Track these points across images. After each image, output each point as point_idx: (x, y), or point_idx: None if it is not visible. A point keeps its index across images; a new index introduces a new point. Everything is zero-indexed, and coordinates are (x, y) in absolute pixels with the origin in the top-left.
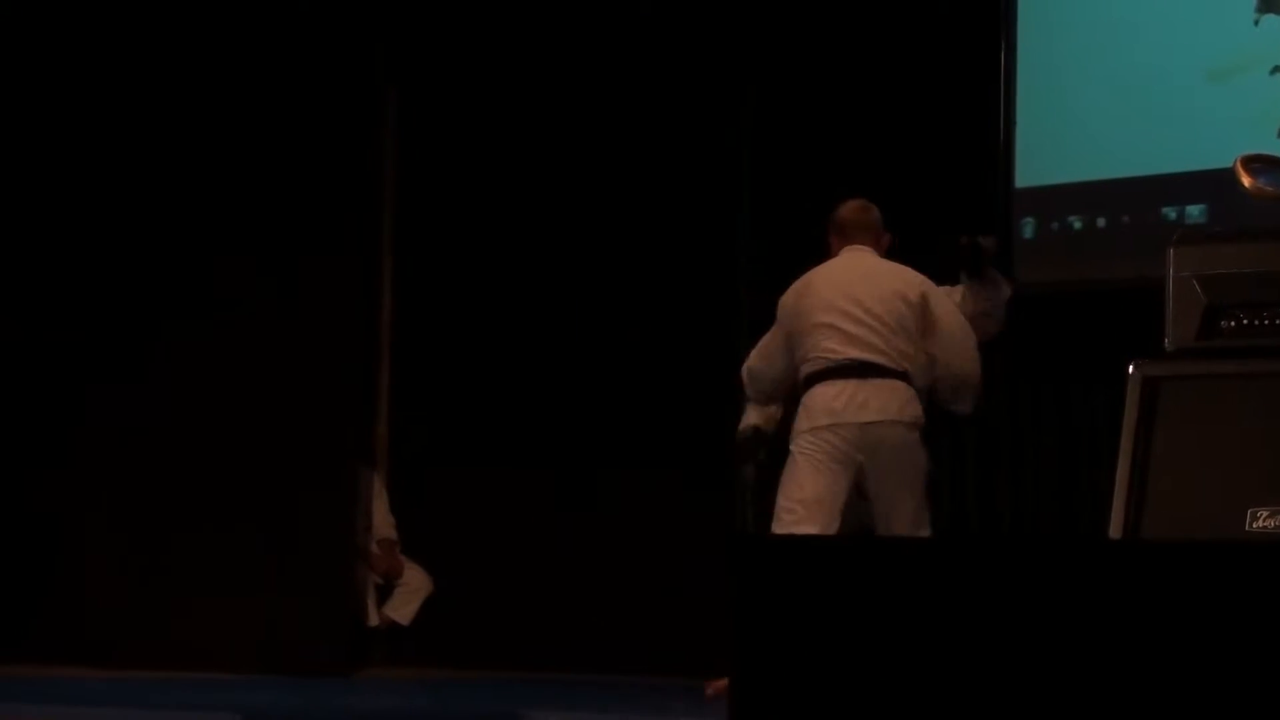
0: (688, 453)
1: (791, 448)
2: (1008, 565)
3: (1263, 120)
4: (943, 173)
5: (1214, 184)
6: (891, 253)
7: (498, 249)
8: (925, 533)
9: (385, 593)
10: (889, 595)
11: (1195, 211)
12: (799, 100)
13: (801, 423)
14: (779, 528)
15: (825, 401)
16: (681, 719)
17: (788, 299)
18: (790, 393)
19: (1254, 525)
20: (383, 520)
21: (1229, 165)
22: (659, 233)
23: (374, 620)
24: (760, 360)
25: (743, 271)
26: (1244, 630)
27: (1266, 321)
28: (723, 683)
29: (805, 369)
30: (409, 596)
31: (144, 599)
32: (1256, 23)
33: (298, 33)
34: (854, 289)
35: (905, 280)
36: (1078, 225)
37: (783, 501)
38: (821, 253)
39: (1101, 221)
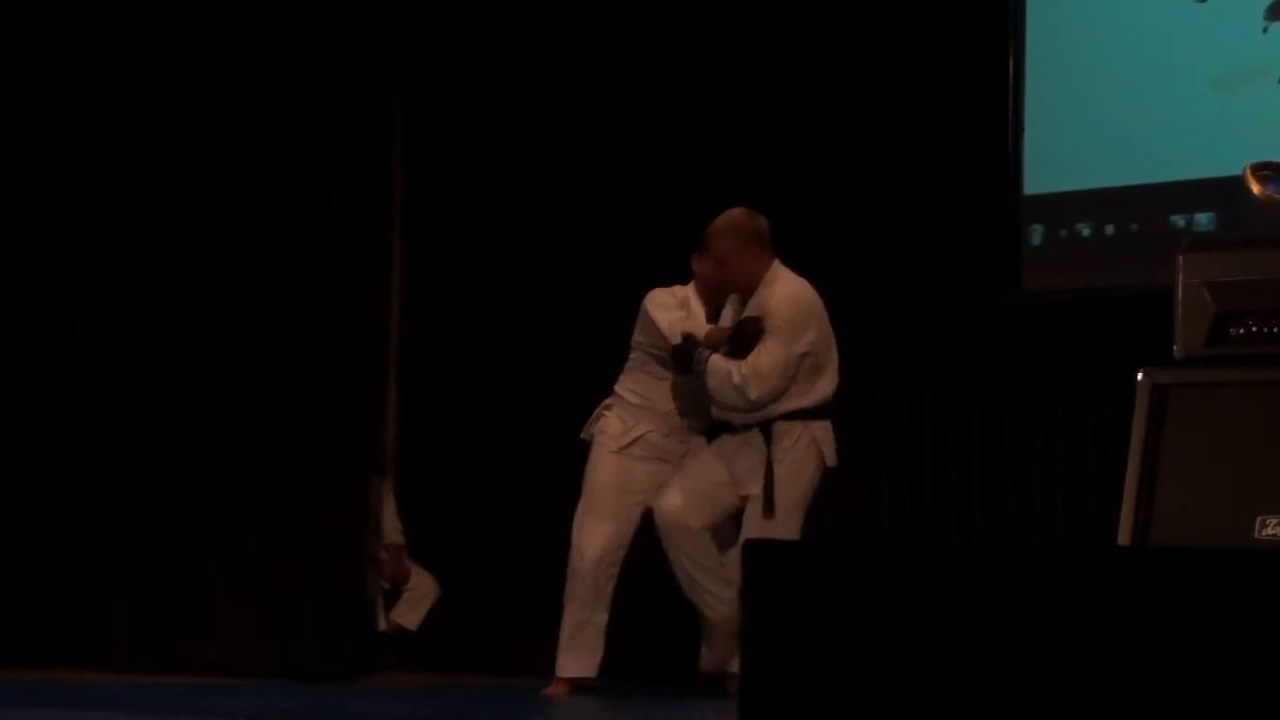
0: None
1: (811, 479)
2: (1015, 573)
3: (1272, 128)
4: (951, 180)
5: (1223, 191)
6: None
7: (505, 253)
8: None
9: (392, 598)
10: (898, 602)
11: (1204, 219)
12: (801, 105)
13: (827, 456)
14: None
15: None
16: None
17: (815, 307)
18: None
19: (1262, 533)
20: (390, 525)
21: (1238, 173)
22: (665, 237)
23: (382, 625)
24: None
25: None
26: (1251, 638)
27: (1276, 329)
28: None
29: (826, 396)
30: (417, 602)
31: (151, 603)
32: (1265, 30)
33: (305, 38)
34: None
35: None
36: (1086, 232)
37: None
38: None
39: (1110, 229)
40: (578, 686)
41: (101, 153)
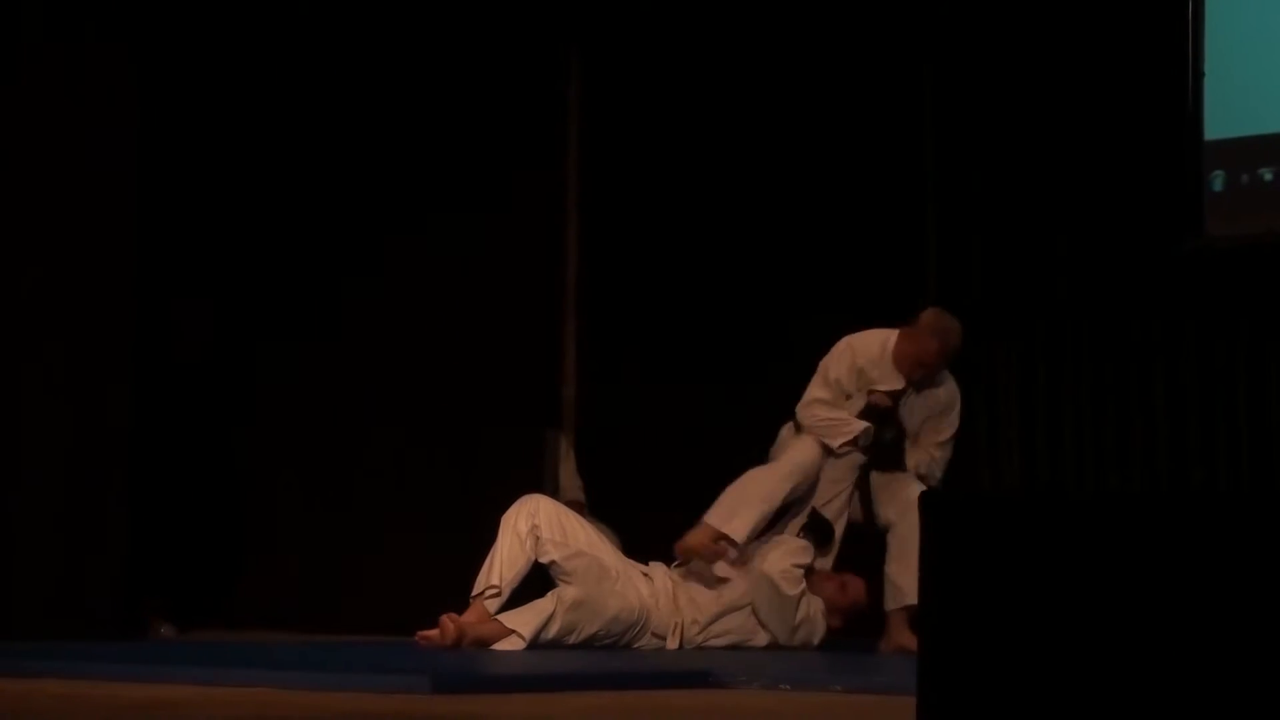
0: None
1: None
2: (1200, 523)
3: None
4: (1131, 127)
5: None
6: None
7: (683, 208)
8: None
9: None
10: (1081, 554)
11: None
12: (981, 54)
13: None
14: None
15: None
16: (868, 676)
17: None
18: None
19: None
20: (570, 483)
21: None
22: (841, 193)
23: None
24: None
25: (931, 247)
26: None
27: None
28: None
29: None
30: None
31: (333, 563)
32: None
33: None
34: None
35: None
36: (1268, 177)
37: None
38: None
39: None
40: None
41: (278, 115)
